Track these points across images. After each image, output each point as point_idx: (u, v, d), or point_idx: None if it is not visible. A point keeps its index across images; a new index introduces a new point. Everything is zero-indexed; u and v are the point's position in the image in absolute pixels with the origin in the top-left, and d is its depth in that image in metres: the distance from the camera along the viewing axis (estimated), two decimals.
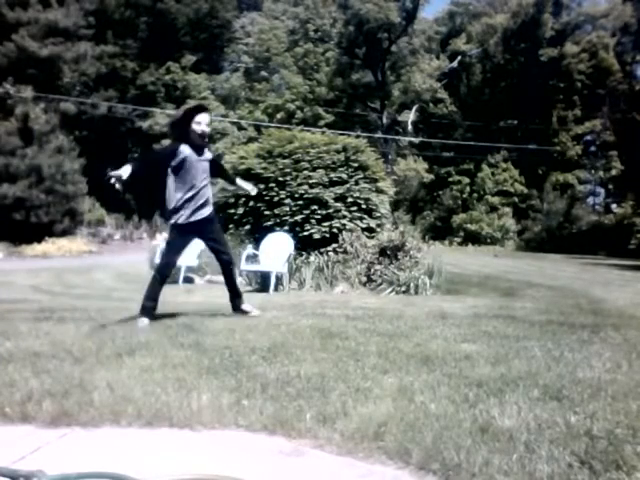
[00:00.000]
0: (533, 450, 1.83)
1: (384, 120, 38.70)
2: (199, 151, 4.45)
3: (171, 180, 4.46)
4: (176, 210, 4.43)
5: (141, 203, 28.29)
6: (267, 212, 9.21)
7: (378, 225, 9.68)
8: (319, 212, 9.11)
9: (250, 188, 5.23)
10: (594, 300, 6.58)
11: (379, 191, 9.89)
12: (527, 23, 34.26)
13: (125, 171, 4.01)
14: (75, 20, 26.95)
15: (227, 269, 4.74)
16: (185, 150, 4.37)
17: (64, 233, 22.23)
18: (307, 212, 9.09)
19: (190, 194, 4.40)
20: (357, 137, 11.65)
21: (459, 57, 37.43)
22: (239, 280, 6.86)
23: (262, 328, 4.08)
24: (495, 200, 33.59)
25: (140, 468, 1.71)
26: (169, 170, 4.44)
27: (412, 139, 38.13)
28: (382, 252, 8.44)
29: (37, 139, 22.69)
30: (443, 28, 42.49)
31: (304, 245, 8.86)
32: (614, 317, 4.93)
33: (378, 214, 9.73)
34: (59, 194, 22.49)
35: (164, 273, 4.54)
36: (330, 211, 9.14)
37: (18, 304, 5.94)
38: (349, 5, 37.31)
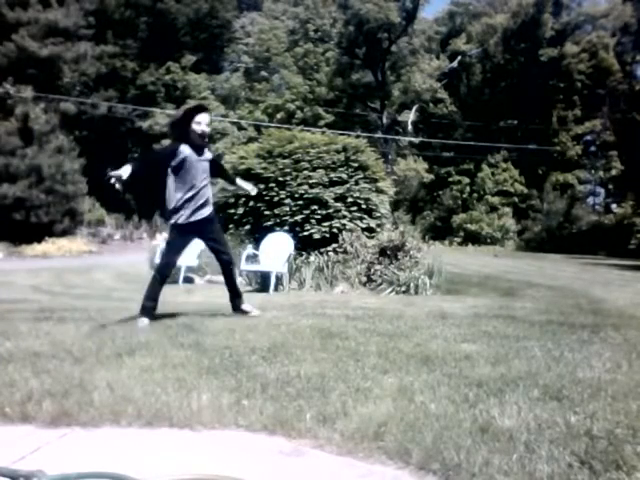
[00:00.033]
0: (533, 450, 1.83)
1: (384, 120, 38.70)
2: (199, 151, 4.45)
3: (171, 180, 4.46)
4: (176, 210, 4.42)
5: (141, 203, 28.31)
6: (267, 212, 9.21)
7: (378, 225, 9.68)
8: (319, 212, 9.11)
9: (250, 188, 5.23)
10: (594, 300, 6.58)
11: (379, 191, 9.89)
12: (527, 23, 34.26)
13: (125, 171, 4.01)
14: (75, 20, 26.95)
15: (227, 269, 4.74)
16: (185, 150, 4.37)
17: (64, 233, 22.23)
18: (307, 212, 9.08)
19: (190, 194, 4.40)
20: (357, 137, 11.64)
21: (459, 57, 37.43)
22: (239, 280, 6.86)
23: (262, 328, 4.08)
24: (495, 200, 33.60)
25: (140, 468, 1.71)
26: (169, 170, 4.44)
27: (412, 139, 38.13)
28: (382, 252, 8.44)
29: (37, 139, 22.69)
30: (443, 28, 42.49)
31: (304, 245, 8.86)
32: (614, 317, 4.93)
33: (378, 214, 9.73)
34: (59, 194, 22.49)
35: (164, 273, 4.54)
36: (330, 211, 9.14)
37: (18, 304, 5.94)
38: (349, 5, 37.31)
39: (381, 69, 38.87)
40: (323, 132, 14.51)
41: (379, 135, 36.92)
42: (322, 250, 8.88)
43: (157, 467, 1.77)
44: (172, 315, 4.56)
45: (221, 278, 9.17)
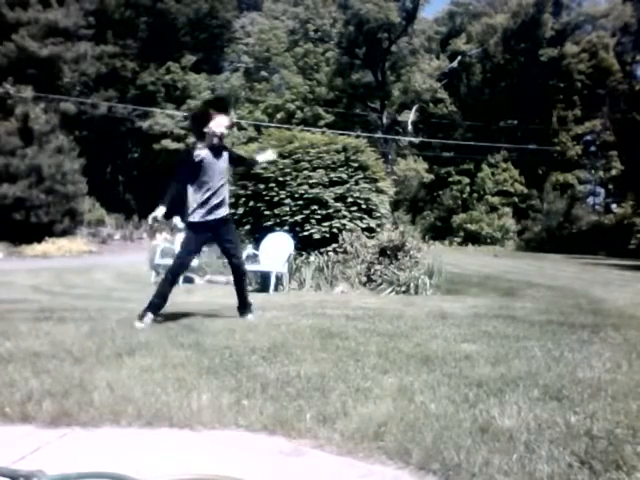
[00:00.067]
0: (533, 450, 1.83)
1: (384, 120, 38.69)
2: (216, 152, 4.47)
3: (189, 181, 4.50)
4: (193, 210, 4.47)
5: (141, 203, 28.31)
6: (267, 212, 9.20)
7: (378, 225, 9.68)
8: (319, 212, 9.10)
9: (272, 158, 5.40)
10: (594, 300, 6.58)
11: (379, 191, 9.88)
12: (527, 23, 34.26)
13: (160, 212, 4.35)
14: (75, 20, 26.92)
15: (237, 273, 4.73)
16: (202, 152, 4.40)
17: (64, 233, 22.21)
18: (307, 212, 9.08)
19: (207, 195, 4.43)
20: (357, 137, 11.63)
21: (459, 57, 37.42)
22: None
23: (262, 328, 4.08)
24: (495, 200, 33.60)
25: (140, 468, 1.71)
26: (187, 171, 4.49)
27: (412, 139, 38.13)
28: (382, 252, 8.44)
29: (37, 139, 22.67)
30: (443, 28, 42.48)
31: (304, 245, 8.86)
32: (614, 317, 4.93)
33: (378, 214, 9.73)
34: (59, 194, 22.47)
35: (177, 272, 4.57)
36: (330, 211, 9.13)
37: (18, 304, 5.94)
38: (349, 5, 37.30)
39: (381, 69, 38.86)
40: (323, 132, 14.49)
41: (379, 135, 36.91)
42: (322, 250, 8.87)
43: (157, 467, 1.77)
44: (172, 315, 4.56)
45: (221, 278, 9.21)
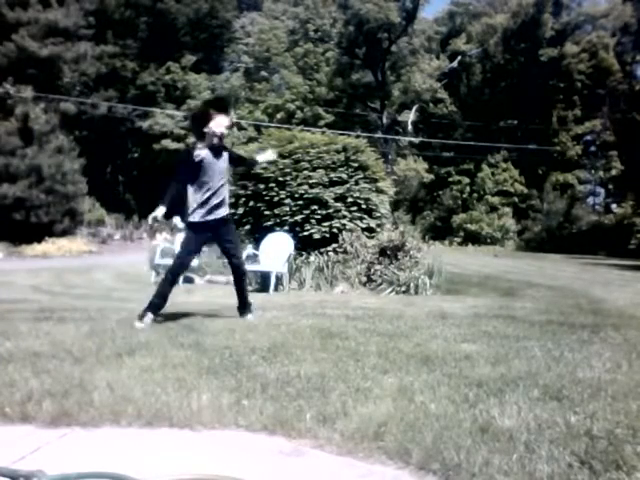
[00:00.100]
0: (533, 450, 1.83)
1: (384, 120, 38.69)
2: (216, 152, 4.47)
3: (189, 182, 4.50)
4: (193, 210, 4.48)
5: (141, 203, 28.32)
6: (267, 212, 9.20)
7: (378, 225, 9.68)
8: (319, 212, 9.10)
9: (272, 158, 5.35)
10: (594, 300, 6.58)
11: (379, 191, 9.88)
12: (527, 23, 34.26)
13: (160, 212, 4.37)
14: (75, 20, 26.92)
15: (237, 273, 4.73)
16: (202, 152, 4.40)
17: (64, 233, 22.21)
18: (307, 212, 9.08)
19: (207, 195, 4.44)
20: (357, 137, 11.63)
21: (459, 57, 37.42)
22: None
23: (262, 328, 4.08)
24: (495, 200, 33.60)
25: (140, 468, 1.71)
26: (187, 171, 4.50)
27: (412, 139, 38.13)
28: (382, 252, 8.44)
29: (37, 139, 22.67)
30: (443, 28, 42.48)
31: (304, 245, 8.86)
32: (614, 317, 4.93)
33: (378, 214, 9.73)
34: (59, 194, 22.47)
35: (177, 272, 4.57)
36: (330, 211, 9.13)
37: (18, 304, 5.94)
38: (349, 5, 37.30)
39: (381, 69, 38.86)
40: (323, 132, 14.49)
41: (379, 135, 36.91)
42: (322, 250, 8.87)
43: (157, 467, 1.77)
44: (172, 315, 4.56)
45: (221, 278, 9.22)
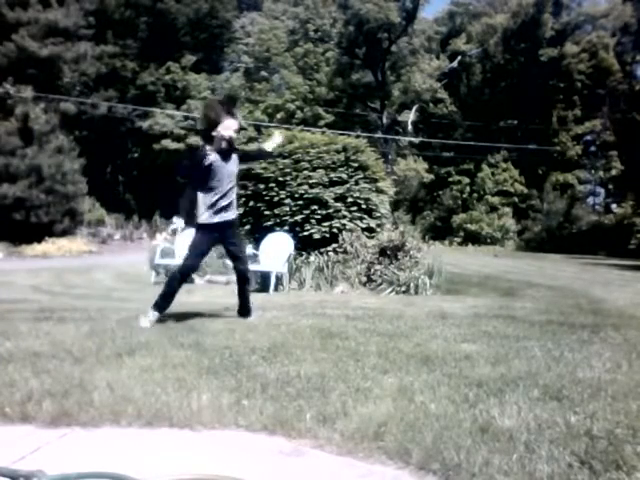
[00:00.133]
0: (533, 450, 1.83)
1: (384, 120, 38.69)
2: (225, 156, 4.48)
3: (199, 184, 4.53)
4: (202, 212, 4.50)
5: (141, 203, 28.34)
6: (267, 212, 9.20)
7: (378, 225, 9.68)
8: (319, 212, 9.10)
9: (280, 140, 5.12)
10: (594, 300, 6.58)
11: (379, 191, 9.88)
12: (527, 23, 34.26)
13: (180, 223, 4.63)
14: (75, 20, 26.91)
15: (241, 279, 4.72)
16: (211, 156, 4.41)
17: (64, 233, 22.21)
18: (307, 212, 9.08)
19: (216, 197, 4.45)
20: (357, 137, 11.62)
21: (459, 57, 37.42)
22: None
23: (262, 328, 4.08)
24: (495, 200, 33.59)
25: (140, 468, 1.71)
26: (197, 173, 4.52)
27: (412, 139, 38.12)
28: (382, 252, 8.44)
29: (37, 139, 22.66)
30: (443, 28, 42.47)
31: (304, 245, 8.86)
32: (614, 317, 4.93)
33: (378, 214, 9.72)
34: (59, 194, 22.47)
35: (187, 273, 4.59)
36: (330, 211, 9.13)
37: (18, 304, 5.94)
38: (349, 5, 37.29)
39: (381, 69, 38.86)
40: (323, 132, 14.48)
41: (379, 135, 36.90)
42: (322, 250, 8.87)
43: (157, 467, 1.77)
44: (172, 315, 4.56)
45: (221, 278, 9.22)
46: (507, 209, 33.07)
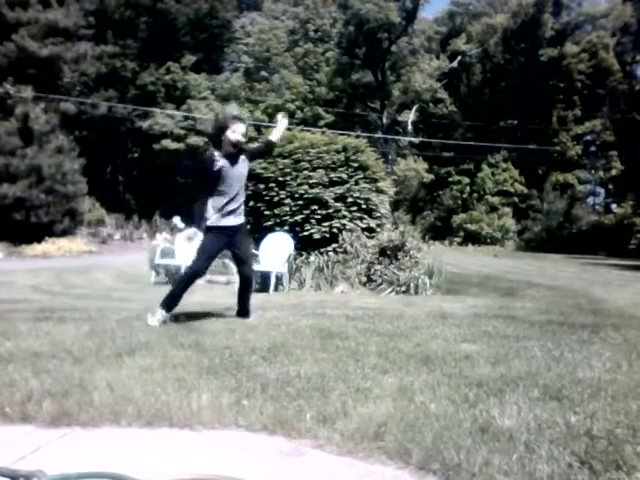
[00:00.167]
0: (533, 450, 1.83)
1: (384, 120, 38.69)
2: (233, 159, 4.49)
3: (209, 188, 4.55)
4: (211, 215, 4.52)
5: (141, 203, 28.32)
6: (267, 212, 9.20)
7: (378, 225, 9.67)
8: (319, 212, 9.10)
9: (285, 124, 4.98)
10: (594, 300, 6.58)
11: (379, 191, 9.88)
12: (527, 23, 34.26)
13: (179, 222, 4.37)
14: (75, 20, 26.90)
15: (244, 283, 4.73)
16: (220, 161, 4.43)
17: (64, 233, 22.20)
18: (307, 212, 9.08)
19: (225, 200, 4.48)
20: (357, 137, 11.62)
21: (459, 57, 37.42)
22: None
23: (262, 328, 4.08)
24: (495, 200, 33.60)
25: (140, 468, 1.71)
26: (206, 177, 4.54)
27: (412, 139, 38.13)
28: (382, 252, 8.44)
29: (37, 139, 22.66)
30: (443, 28, 42.48)
31: (304, 245, 8.86)
32: (614, 317, 4.93)
33: (378, 214, 9.72)
34: (59, 194, 22.47)
35: (196, 275, 4.59)
36: (330, 211, 9.13)
37: (18, 304, 5.94)
38: (349, 5, 37.30)
39: (381, 69, 38.86)
40: (323, 132, 14.49)
41: (379, 135, 36.90)
42: (322, 250, 8.87)
43: (157, 467, 1.77)
44: (172, 315, 4.56)
45: (221, 278, 9.21)
46: (507, 209, 33.07)
